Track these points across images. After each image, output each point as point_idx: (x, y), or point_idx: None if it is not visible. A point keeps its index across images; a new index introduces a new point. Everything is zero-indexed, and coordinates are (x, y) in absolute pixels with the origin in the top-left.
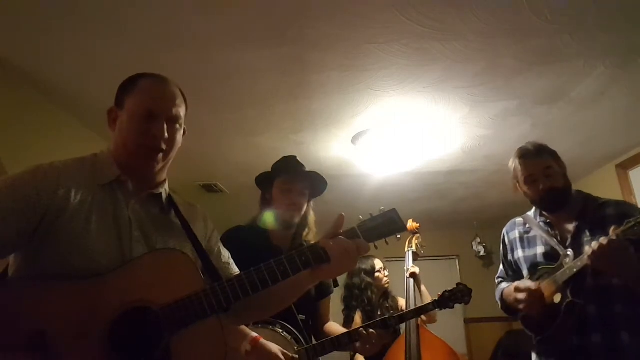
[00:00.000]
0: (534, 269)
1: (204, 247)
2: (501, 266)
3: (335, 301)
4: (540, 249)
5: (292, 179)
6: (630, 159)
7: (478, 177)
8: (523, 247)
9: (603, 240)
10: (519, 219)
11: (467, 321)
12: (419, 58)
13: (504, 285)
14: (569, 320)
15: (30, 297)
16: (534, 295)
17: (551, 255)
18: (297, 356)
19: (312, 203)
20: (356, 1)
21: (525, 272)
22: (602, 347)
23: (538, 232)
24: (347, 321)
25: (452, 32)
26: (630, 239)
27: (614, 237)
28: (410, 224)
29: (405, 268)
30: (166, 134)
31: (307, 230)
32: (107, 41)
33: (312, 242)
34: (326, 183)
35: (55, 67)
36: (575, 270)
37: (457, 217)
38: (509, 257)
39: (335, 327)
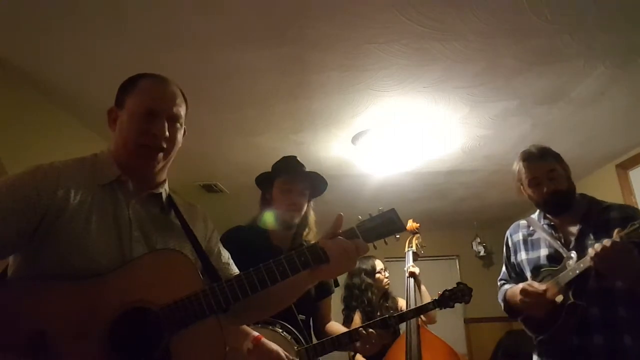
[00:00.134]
0: (537, 271)
1: (203, 247)
2: (504, 268)
3: (335, 301)
4: (543, 252)
5: (292, 179)
6: (630, 159)
7: (478, 177)
8: (526, 250)
9: (607, 242)
10: (523, 222)
11: (467, 321)
12: (419, 58)
13: (507, 286)
14: (570, 321)
15: (30, 297)
16: (543, 298)
17: (554, 258)
18: (297, 358)
19: (312, 203)
20: (356, 1)
21: (528, 274)
22: (603, 348)
23: (542, 235)
24: (347, 321)
25: (452, 32)
26: (634, 241)
27: (618, 240)
28: (410, 224)
29: (405, 268)
30: (167, 133)
31: (307, 230)
32: (107, 41)
33: (312, 242)
34: (326, 183)
35: (55, 67)
36: (578, 272)
37: (457, 217)
38: (512, 259)
39: (336, 326)
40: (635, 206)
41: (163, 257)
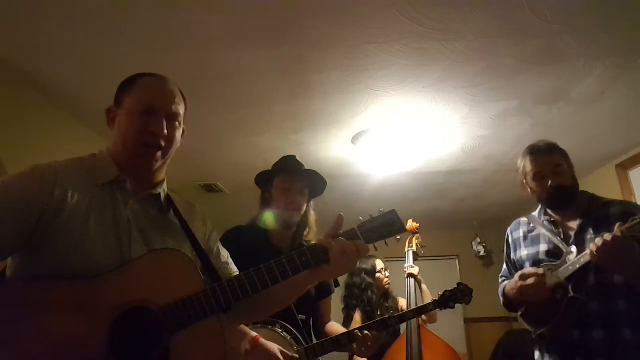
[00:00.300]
0: (537, 266)
1: (202, 246)
2: (504, 265)
3: (336, 300)
4: (543, 247)
5: (291, 177)
6: (630, 159)
7: (478, 177)
8: (527, 246)
9: (607, 236)
10: (524, 219)
11: (467, 321)
12: (419, 58)
13: (507, 282)
14: (569, 315)
15: (29, 297)
16: (542, 280)
17: (554, 253)
18: (296, 356)
19: (312, 203)
20: (356, 1)
21: None
22: (603, 342)
23: (542, 231)
24: (347, 320)
25: (452, 32)
26: (635, 236)
27: (619, 234)
28: (410, 224)
29: (405, 268)
30: (165, 131)
31: (307, 229)
32: (107, 41)
33: (313, 242)
34: (326, 182)
35: (55, 67)
36: (578, 266)
37: (457, 217)
38: (512, 256)
39: (336, 327)
40: None
41: (163, 256)
